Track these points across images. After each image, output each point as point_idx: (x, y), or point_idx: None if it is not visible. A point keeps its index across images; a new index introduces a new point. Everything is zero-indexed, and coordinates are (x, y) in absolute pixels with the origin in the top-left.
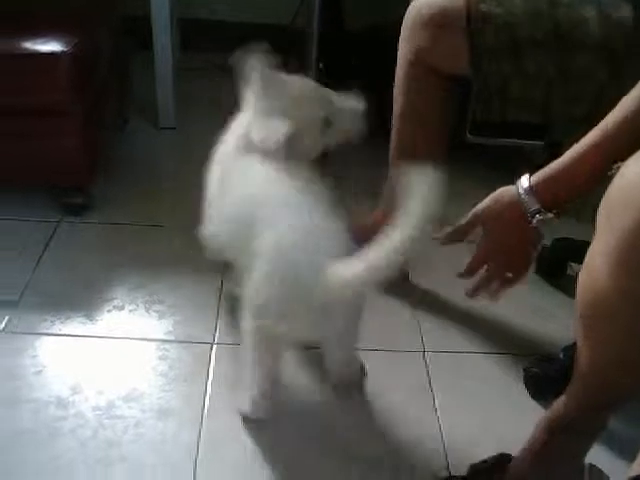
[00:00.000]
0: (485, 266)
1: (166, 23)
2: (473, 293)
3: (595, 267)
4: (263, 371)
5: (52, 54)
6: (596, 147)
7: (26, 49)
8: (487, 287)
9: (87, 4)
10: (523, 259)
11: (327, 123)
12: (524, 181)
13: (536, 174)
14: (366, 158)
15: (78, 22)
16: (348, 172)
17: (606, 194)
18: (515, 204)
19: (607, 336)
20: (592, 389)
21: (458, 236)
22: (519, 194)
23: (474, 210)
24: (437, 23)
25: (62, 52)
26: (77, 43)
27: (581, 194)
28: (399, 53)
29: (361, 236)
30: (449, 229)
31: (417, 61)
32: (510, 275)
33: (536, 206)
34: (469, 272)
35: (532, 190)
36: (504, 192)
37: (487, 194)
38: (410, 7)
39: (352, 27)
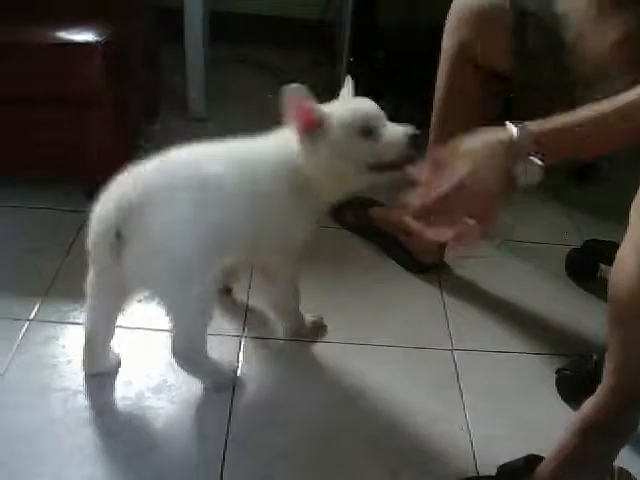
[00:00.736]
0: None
1: (199, 16)
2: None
3: (627, 265)
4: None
5: (87, 44)
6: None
7: (61, 38)
8: (443, 233)
9: None
10: (490, 208)
11: (371, 167)
12: (521, 126)
13: (537, 122)
14: None
15: (112, 12)
16: None
17: (639, 191)
18: (504, 144)
19: None
20: (624, 391)
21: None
22: (514, 134)
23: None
24: (483, 18)
25: (96, 42)
26: (111, 33)
27: (582, 157)
28: (443, 46)
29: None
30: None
31: (460, 55)
32: (471, 223)
33: (533, 148)
34: (423, 211)
35: (531, 134)
36: (491, 131)
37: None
38: (456, 0)
39: (384, 22)
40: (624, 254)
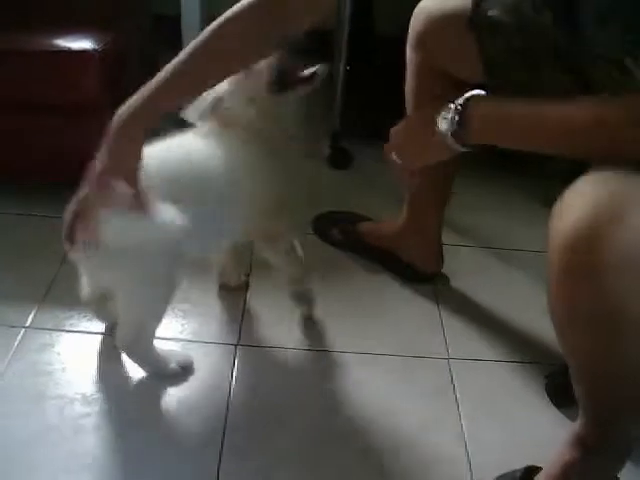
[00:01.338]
0: None
1: (196, 22)
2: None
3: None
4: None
5: (84, 51)
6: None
7: (58, 46)
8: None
9: (119, 2)
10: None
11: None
12: (458, 113)
13: (480, 104)
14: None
15: (109, 20)
16: (371, 175)
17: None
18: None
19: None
20: (590, 403)
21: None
22: (442, 130)
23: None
24: (445, 27)
25: (94, 49)
26: (109, 41)
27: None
28: (408, 61)
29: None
30: None
31: (428, 69)
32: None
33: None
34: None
35: (466, 122)
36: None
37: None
38: (416, 12)
39: (381, 28)
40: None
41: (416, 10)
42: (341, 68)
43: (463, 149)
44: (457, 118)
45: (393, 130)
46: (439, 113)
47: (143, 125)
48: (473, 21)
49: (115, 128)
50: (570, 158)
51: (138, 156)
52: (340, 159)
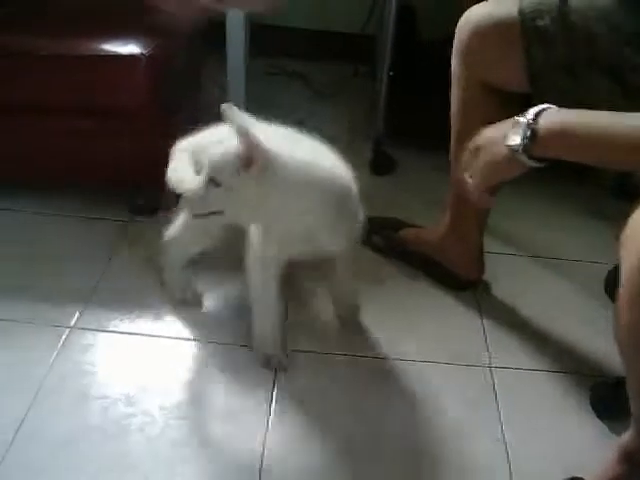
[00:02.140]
0: None
1: (240, 29)
2: None
3: None
4: None
5: (131, 56)
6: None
7: (106, 51)
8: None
9: None
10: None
11: None
12: (531, 124)
13: (550, 118)
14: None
15: (157, 25)
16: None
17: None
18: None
19: None
20: None
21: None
22: (516, 144)
23: None
24: (492, 37)
25: (141, 54)
26: (156, 46)
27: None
28: (453, 70)
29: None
30: None
31: (473, 78)
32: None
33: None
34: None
35: (537, 134)
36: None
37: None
38: (462, 22)
39: (425, 37)
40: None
41: (461, 21)
42: (385, 73)
43: (535, 164)
44: (529, 133)
45: (466, 150)
46: (509, 129)
47: None
48: (522, 30)
49: None
50: None
51: None
52: (383, 164)
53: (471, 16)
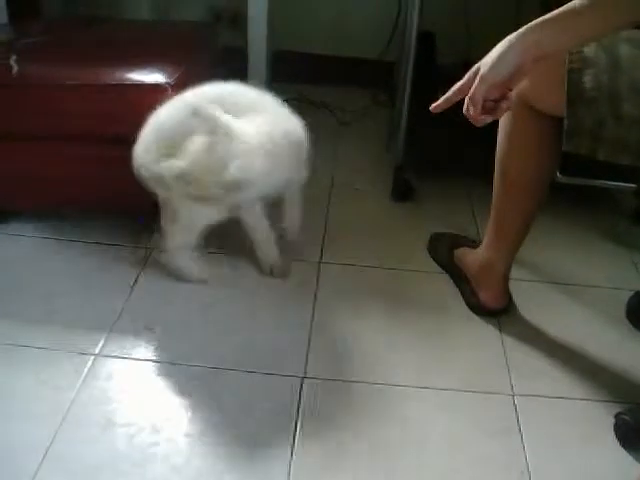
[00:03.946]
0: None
1: (262, 55)
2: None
3: None
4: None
5: (157, 85)
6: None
7: (132, 80)
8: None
9: (191, 34)
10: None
11: None
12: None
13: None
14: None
15: (182, 53)
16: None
17: None
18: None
19: None
20: None
21: (456, 94)
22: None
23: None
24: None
25: (166, 83)
26: (181, 74)
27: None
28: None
29: None
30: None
31: (518, 100)
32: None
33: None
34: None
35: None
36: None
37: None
38: None
39: (444, 61)
40: None
41: None
42: (406, 100)
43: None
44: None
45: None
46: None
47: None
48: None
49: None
50: None
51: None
52: (403, 191)
53: None
